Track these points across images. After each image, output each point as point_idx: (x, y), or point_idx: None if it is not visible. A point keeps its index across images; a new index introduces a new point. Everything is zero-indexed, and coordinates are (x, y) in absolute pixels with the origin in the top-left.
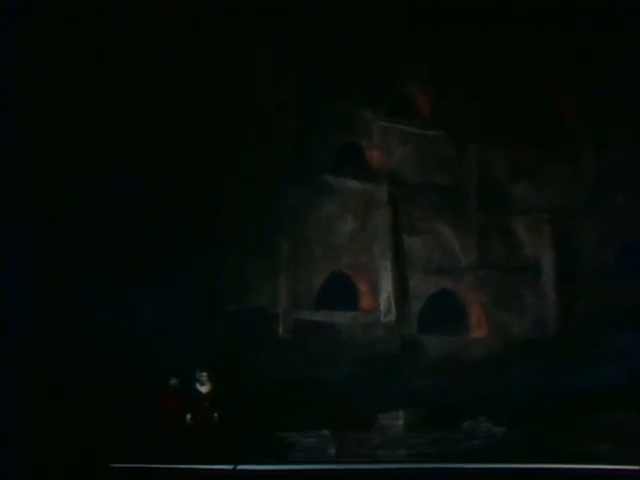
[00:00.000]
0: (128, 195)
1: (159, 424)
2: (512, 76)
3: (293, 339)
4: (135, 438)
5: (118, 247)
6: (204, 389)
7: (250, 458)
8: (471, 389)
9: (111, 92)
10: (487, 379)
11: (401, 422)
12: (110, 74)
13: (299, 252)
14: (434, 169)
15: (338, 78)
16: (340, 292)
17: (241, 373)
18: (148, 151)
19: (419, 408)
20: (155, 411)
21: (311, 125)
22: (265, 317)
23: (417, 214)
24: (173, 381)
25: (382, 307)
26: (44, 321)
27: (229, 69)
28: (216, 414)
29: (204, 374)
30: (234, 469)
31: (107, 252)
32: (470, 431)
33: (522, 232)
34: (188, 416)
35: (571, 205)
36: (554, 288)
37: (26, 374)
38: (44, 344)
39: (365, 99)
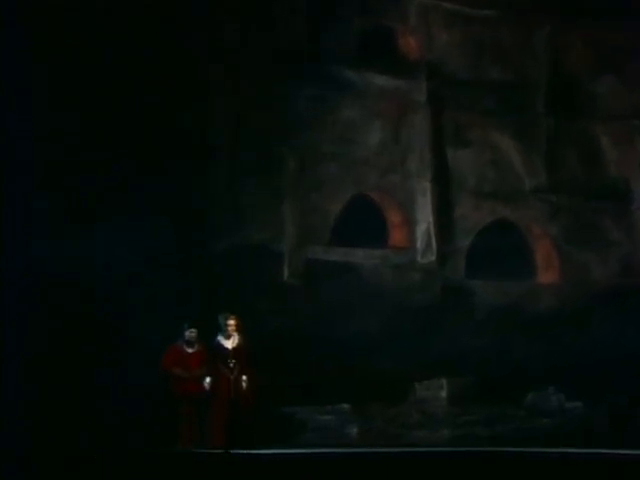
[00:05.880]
0: (93, 97)
1: (170, 393)
2: None
3: (303, 285)
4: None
5: (77, 165)
6: (229, 343)
7: (248, 440)
8: (537, 351)
9: None
10: (558, 338)
11: (444, 394)
12: None
13: (310, 170)
14: (489, 60)
15: None
16: (364, 223)
17: None
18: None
19: (468, 376)
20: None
21: (325, 3)
22: (266, 256)
23: (466, 119)
24: (189, 333)
25: (419, 243)
26: None
27: None
28: (245, 377)
29: (231, 321)
30: (226, 453)
31: (63, 171)
32: (536, 406)
33: (606, 144)
34: (207, 381)
35: None
36: None
37: None
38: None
39: None
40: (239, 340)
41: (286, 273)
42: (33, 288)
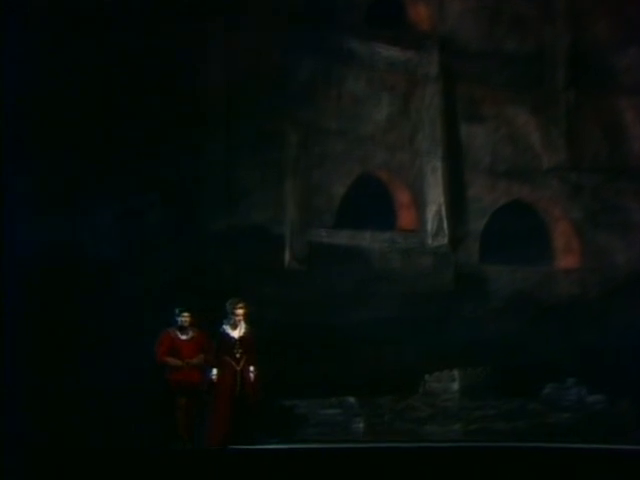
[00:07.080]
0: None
1: (167, 385)
2: None
3: (305, 270)
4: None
5: (70, 147)
6: (236, 332)
7: (246, 435)
8: (555, 341)
9: None
10: (579, 326)
11: (456, 386)
12: None
13: (312, 147)
14: (505, 30)
15: None
16: (370, 204)
17: None
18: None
19: (481, 367)
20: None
21: None
22: (266, 240)
23: (480, 93)
24: (181, 318)
25: (429, 225)
26: None
27: None
28: (253, 368)
29: (240, 310)
30: (224, 449)
31: (53, 152)
32: (554, 400)
33: (630, 119)
34: (214, 372)
35: None
36: None
37: None
38: None
39: None
40: (246, 329)
41: (287, 258)
42: (25, 277)
